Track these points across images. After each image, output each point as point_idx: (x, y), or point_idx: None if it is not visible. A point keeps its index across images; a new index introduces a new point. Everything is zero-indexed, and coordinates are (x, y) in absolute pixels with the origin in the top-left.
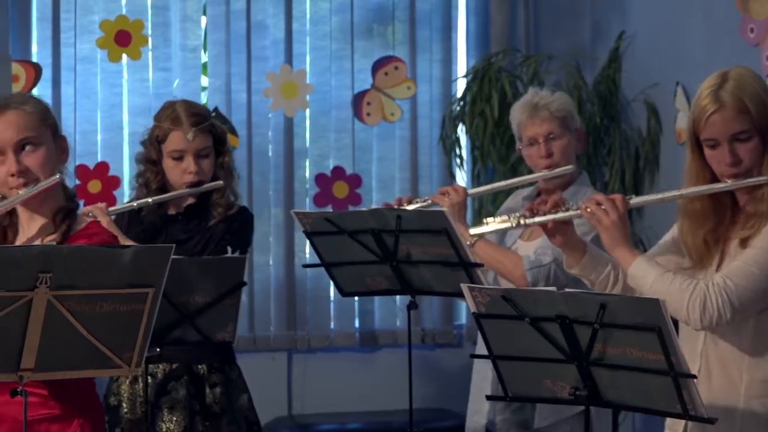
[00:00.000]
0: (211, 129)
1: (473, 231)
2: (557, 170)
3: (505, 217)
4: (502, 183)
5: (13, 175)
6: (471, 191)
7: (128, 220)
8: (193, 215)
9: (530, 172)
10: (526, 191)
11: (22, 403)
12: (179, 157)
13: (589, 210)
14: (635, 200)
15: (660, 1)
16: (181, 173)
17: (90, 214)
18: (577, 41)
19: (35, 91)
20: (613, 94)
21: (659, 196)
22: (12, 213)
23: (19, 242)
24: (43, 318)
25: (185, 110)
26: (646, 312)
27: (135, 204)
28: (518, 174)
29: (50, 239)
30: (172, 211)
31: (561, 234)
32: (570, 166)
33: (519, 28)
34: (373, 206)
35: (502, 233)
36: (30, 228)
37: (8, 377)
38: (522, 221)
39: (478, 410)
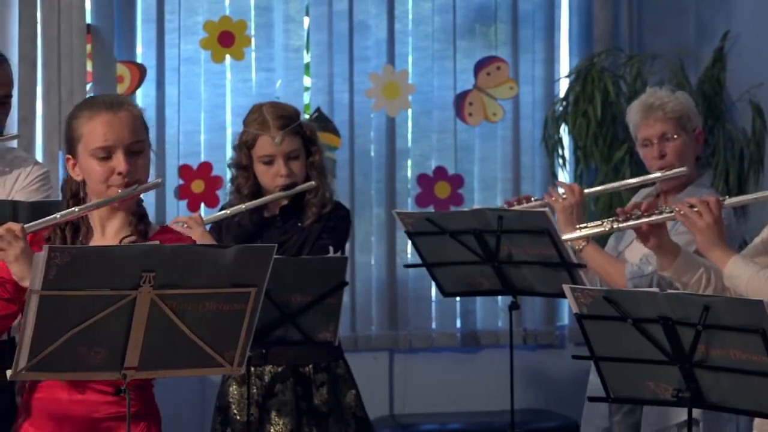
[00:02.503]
0: (298, 130)
1: (566, 237)
2: (670, 172)
3: (598, 222)
4: (617, 183)
5: (119, 174)
6: (586, 191)
7: (226, 226)
8: (289, 216)
9: (648, 172)
10: (647, 191)
11: (88, 402)
12: (269, 162)
13: (682, 213)
14: (729, 201)
15: (765, 0)
16: (272, 177)
17: (184, 225)
18: (681, 40)
19: (139, 92)
20: (717, 93)
21: (753, 196)
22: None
23: (95, 242)
24: (147, 317)
25: (272, 113)
26: (749, 314)
27: (229, 212)
28: (621, 174)
29: (129, 241)
30: (268, 215)
31: (655, 237)
32: (683, 168)
33: (622, 28)
34: (475, 206)
35: (618, 235)
36: (106, 227)
37: (112, 375)
38: (615, 225)
39: (598, 414)
